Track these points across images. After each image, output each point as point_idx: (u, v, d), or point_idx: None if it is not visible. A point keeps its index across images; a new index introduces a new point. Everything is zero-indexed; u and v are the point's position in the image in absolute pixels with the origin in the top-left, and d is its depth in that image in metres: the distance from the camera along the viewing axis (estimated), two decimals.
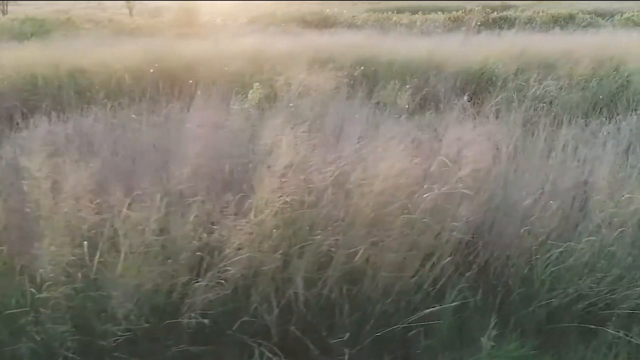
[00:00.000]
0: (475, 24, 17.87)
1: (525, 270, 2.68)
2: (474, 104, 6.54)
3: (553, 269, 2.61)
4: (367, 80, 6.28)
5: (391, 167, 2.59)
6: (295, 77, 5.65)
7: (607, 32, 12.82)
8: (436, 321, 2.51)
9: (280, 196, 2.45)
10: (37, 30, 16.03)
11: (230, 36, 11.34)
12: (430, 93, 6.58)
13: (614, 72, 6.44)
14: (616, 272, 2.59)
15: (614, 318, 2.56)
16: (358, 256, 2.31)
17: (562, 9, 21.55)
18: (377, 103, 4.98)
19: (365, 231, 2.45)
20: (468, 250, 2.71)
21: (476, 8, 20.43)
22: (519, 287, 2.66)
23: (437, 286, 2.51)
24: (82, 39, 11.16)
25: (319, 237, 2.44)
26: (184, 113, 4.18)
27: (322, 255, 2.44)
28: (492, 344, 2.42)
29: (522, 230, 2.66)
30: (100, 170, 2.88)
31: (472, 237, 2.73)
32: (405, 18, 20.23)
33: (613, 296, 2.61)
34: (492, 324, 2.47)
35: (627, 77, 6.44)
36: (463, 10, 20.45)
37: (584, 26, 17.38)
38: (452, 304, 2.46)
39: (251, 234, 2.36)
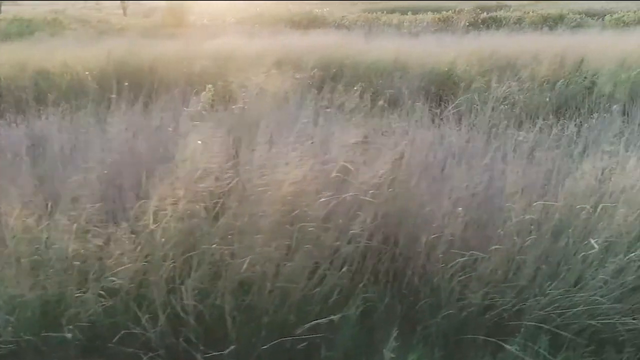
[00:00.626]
0: (464, 24, 17.85)
1: (435, 280, 2.60)
2: (438, 105, 6.50)
3: (460, 278, 2.54)
4: (328, 81, 6.20)
5: (296, 172, 2.52)
6: (253, 79, 5.58)
7: (595, 33, 12.72)
8: (336, 333, 2.44)
9: (174, 203, 2.38)
10: (23, 30, 15.97)
11: (210, 36, 11.30)
12: (394, 95, 6.50)
13: (577, 74, 6.35)
14: (524, 282, 2.51)
15: (522, 329, 2.48)
16: (245, 266, 2.23)
17: (552, 9, 21.44)
18: (327, 105, 4.91)
19: (262, 239, 2.38)
20: (375, 258, 2.63)
21: (466, 8, 20.32)
22: (428, 296, 2.59)
23: (334, 297, 2.44)
24: (63, 39, 11.14)
25: (214, 245, 2.37)
26: (122, 116, 4.11)
27: (216, 265, 2.37)
28: (392, 355, 2.35)
29: (430, 238, 2.58)
30: (19, 175, 2.82)
31: (382, 244, 2.66)
32: (395, 18, 20.17)
33: (523, 306, 2.53)
34: (394, 334, 2.40)
35: (592, 78, 6.35)
36: (453, 11, 20.35)
37: (573, 26, 17.29)
38: (348, 314, 2.39)
39: (139, 243, 2.29)
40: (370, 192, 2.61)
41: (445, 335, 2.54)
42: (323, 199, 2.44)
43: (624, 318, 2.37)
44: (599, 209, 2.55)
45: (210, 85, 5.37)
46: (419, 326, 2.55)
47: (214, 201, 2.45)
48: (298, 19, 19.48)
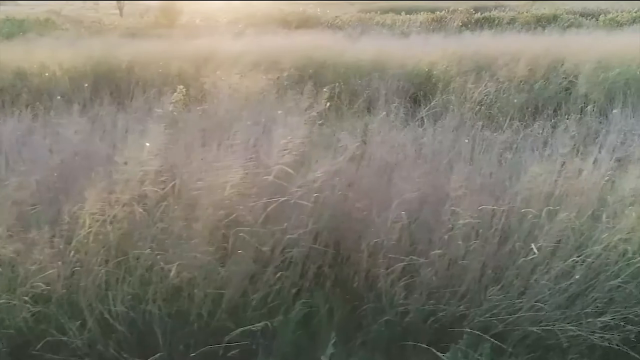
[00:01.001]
0: (457, 24, 17.79)
1: (379, 284, 2.55)
2: (417, 106, 6.45)
3: (403, 283, 2.49)
4: (303, 82, 6.15)
5: (235, 176, 2.48)
6: (225, 79, 5.52)
7: (585, 33, 12.64)
8: (274, 339, 2.40)
9: (109, 207, 2.33)
10: (14, 31, 15.92)
11: (196, 36, 11.26)
12: (371, 95, 6.44)
13: (555, 74, 6.29)
14: (467, 288, 2.46)
15: (465, 336, 2.43)
16: (175, 272, 2.18)
17: (547, 9, 21.37)
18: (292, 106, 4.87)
19: (197, 244, 2.33)
20: (319, 262, 2.58)
21: (459, 9, 20.25)
22: (371, 301, 2.54)
23: (273, 302, 2.39)
24: (52, 40, 11.06)
25: (147, 251, 2.33)
26: (79, 117, 4.07)
27: (149, 270, 2.32)
28: None
29: (373, 242, 2.53)
30: None
31: (326, 248, 2.61)
32: (389, 18, 20.12)
33: (465, 312, 2.49)
34: (333, 340, 2.36)
35: (571, 78, 6.28)
36: (447, 11, 20.29)
37: (566, 27, 17.23)
38: (287, 319, 2.34)
39: (71, 247, 2.24)
40: (315, 195, 2.57)
41: (386, 341, 2.49)
42: (261, 203, 2.39)
43: (565, 325, 2.32)
44: (543, 213, 2.50)
45: (181, 86, 5.32)
46: (360, 332, 2.50)
47: (150, 205, 2.40)
48: (291, 19, 19.43)
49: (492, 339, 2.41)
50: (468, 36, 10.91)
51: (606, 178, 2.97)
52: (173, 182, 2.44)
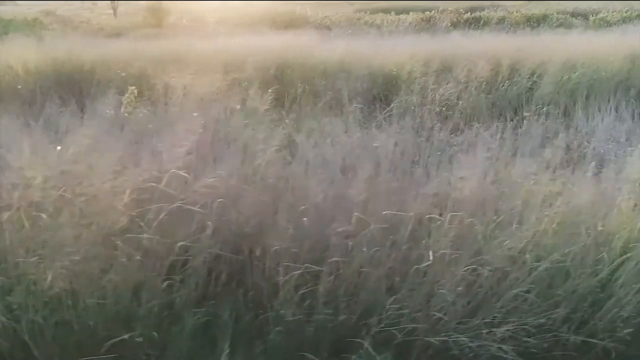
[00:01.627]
0: (446, 24, 17.70)
1: (281, 293, 2.48)
2: (382, 107, 6.38)
3: (303, 291, 2.42)
4: (261, 83, 6.09)
5: (133, 181, 2.41)
6: (179, 81, 5.46)
7: (577, 33, 12.51)
8: (167, 349, 2.33)
9: None
10: (0, 31, 15.89)
11: (177, 37, 11.21)
12: (334, 96, 6.38)
13: (518, 74, 6.20)
14: (365, 296, 2.39)
15: (364, 346, 2.36)
16: (49, 280, 2.11)
17: (538, 9, 21.28)
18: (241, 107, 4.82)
19: (85, 252, 2.26)
20: (219, 269, 2.51)
21: (449, 8, 20.16)
22: (271, 310, 2.47)
23: (164, 311, 2.32)
24: (34, 40, 10.97)
25: (33, 259, 2.25)
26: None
27: (31, 280, 2.25)
28: None
29: (274, 250, 2.46)
30: None
31: (232, 255, 2.54)
32: (378, 18, 20.03)
33: (367, 321, 2.41)
34: (226, 350, 2.29)
35: (535, 78, 6.20)
36: (436, 11, 20.19)
37: (556, 26, 17.15)
38: (181, 328, 2.27)
39: None
40: (220, 200, 2.50)
41: (284, 352, 2.42)
42: (155, 209, 2.32)
43: (459, 336, 2.24)
44: (447, 218, 2.42)
45: (132, 87, 5.26)
46: (258, 341, 2.43)
47: (39, 212, 2.33)
48: (280, 19, 19.35)
49: (394, 349, 2.35)
50: (452, 36, 10.77)
51: (532, 182, 2.90)
52: (63, 188, 2.36)
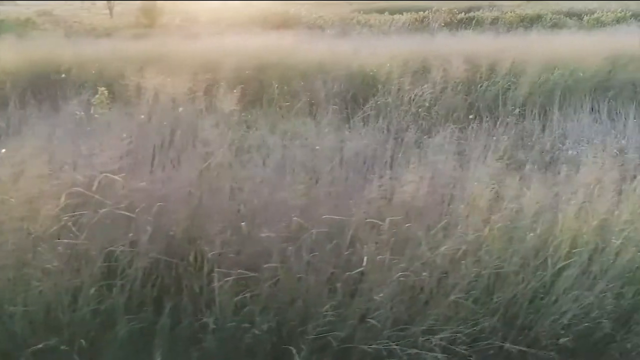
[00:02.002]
0: (438, 25, 17.65)
1: (219, 299, 2.43)
2: (358, 108, 6.32)
3: (240, 297, 2.37)
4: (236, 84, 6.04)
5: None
6: (152, 82, 5.41)
7: (567, 33, 12.45)
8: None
9: None
10: None
11: (159, 37, 11.19)
12: (312, 98, 6.33)
13: (493, 75, 6.14)
14: (301, 302, 2.34)
15: (302, 353, 2.31)
16: None
17: (532, 9, 21.21)
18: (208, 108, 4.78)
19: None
20: (157, 274, 2.46)
21: (443, 9, 20.09)
22: (208, 316, 2.41)
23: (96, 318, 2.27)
24: (24, 41, 10.92)
25: None
26: None
27: None
28: None
29: (211, 255, 2.40)
30: None
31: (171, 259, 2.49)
32: (372, 19, 19.99)
33: (301, 329, 2.36)
34: (158, 358, 2.25)
35: (513, 79, 6.13)
36: (430, 11, 20.13)
37: (549, 27, 17.11)
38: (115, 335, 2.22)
39: None
40: (159, 204, 2.45)
41: (223, 357, 2.37)
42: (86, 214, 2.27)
43: (393, 344, 2.19)
44: (387, 223, 2.37)
45: (102, 88, 5.21)
46: (193, 348, 2.38)
47: None
48: (273, 19, 19.30)
49: (331, 357, 2.30)
50: (440, 37, 10.69)
51: (492, 187, 2.84)
52: None
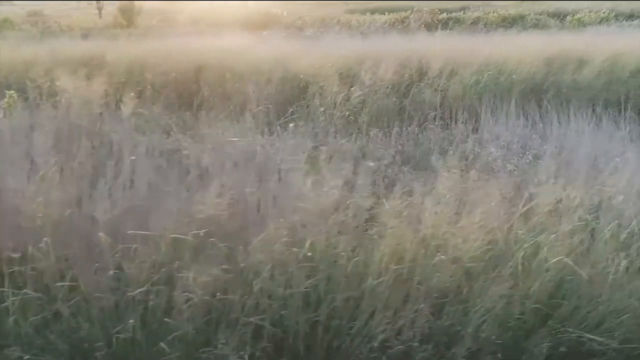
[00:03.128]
0: (419, 25, 17.50)
1: None
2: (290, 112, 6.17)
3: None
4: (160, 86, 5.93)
5: None
6: (69, 85, 5.28)
7: (549, 33, 12.20)
8: None
9: None
10: None
11: (125, 38, 11.10)
12: (245, 100, 6.19)
13: (427, 77, 5.97)
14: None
15: None
16: None
17: (514, 10, 21.08)
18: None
19: None
20: None
21: (424, 9, 19.94)
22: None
23: None
24: None
25: None
26: None
27: None
28: None
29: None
30: None
31: None
32: (354, 19, 19.88)
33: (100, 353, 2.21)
34: None
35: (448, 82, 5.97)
36: (411, 11, 20.00)
37: (530, 27, 16.95)
38: None
39: None
40: None
41: None
42: None
43: None
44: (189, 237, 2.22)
45: (11, 92, 5.11)
46: None
47: None
48: (254, 20, 19.19)
49: None
50: (418, 37, 10.48)
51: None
52: None
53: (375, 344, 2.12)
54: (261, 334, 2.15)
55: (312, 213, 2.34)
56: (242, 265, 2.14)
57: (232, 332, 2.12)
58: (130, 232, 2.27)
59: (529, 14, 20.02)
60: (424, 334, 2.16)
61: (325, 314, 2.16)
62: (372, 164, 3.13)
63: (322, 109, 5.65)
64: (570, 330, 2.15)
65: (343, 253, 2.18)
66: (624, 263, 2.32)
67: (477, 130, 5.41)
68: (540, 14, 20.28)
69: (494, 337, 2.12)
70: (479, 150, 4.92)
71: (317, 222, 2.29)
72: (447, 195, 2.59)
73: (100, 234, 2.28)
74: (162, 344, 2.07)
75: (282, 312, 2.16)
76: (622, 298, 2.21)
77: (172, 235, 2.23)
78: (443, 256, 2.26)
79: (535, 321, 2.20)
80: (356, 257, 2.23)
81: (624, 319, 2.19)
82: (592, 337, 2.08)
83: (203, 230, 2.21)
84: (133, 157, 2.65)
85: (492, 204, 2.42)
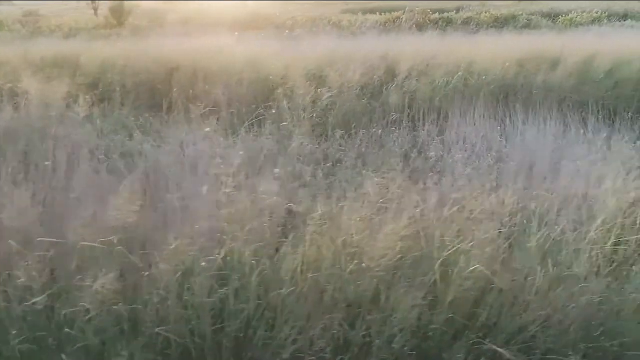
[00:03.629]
0: (412, 25, 17.42)
1: None
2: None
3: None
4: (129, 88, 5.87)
5: None
6: (31, 87, 5.23)
7: (540, 34, 12.11)
8: None
9: None
10: None
11: (108, 39, 11.07)
12: (215, 102, 6.12)
13: (396, 80, 5.89)
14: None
15: None
16: None
17: (505, 9, 21.00)
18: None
19: None
20: None
21: (416, 9, 19.86)
22: None
23: None
24: None
25: None
26: None
27: None
28: None
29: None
30: None
31: None
32: (345, 19, 19.82)
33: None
34: None
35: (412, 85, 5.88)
36: (403, 11, 19.92)
37: (521, 27, 16.89)
38: None
39: None
40: None
41: None
42: None
43: None
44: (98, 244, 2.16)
45: None
46: None
47: None
48: (245, 20, 19.13)
49: None
50: (405, 38, 10.39)
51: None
52: None
53: (286, 356, 2.06)
54: (170, 345, 2.09)
55: (231, 219, 2.29)
56: (147, 274, 2.07)
57: (140, 343, 2.06)
58: (39, 239, 2.21)
59: (522, 14, 19.93)
60: (338, 345, 2.10)
61: (236, 324, 2.09)
62: (307, 167, 3.05)
63: (289, 111, 5.58)
64: (487, 342, 2.09)
65: (254, 261, 2.12)
66: (551, 271, 2.26)
67: (444, 132, 5.34)
68: (533, 14, 20.19)
69: (406, 348, 2.05)
70: (442, 153, 4.86)
71: (233, 229, 2.23)
72: (376, 201, 2.54)
73: (10, 241, 2.23)
74: (63, 356, 2.01)
75: (193, 323, 2.10)
76: (544, 307, 2.15)
77: (83, 243, 2.17)
78: (363, 264, 2.20)
79: (453, 332, 2.14)
80: (269, 265, 2.16)
81: (545, 328, 2.13)
82: (503, 351, 2.00)
83: (114, 238, 2.15)
84: (48, 163, 2.57)
85: (417, 210, 2.36)
